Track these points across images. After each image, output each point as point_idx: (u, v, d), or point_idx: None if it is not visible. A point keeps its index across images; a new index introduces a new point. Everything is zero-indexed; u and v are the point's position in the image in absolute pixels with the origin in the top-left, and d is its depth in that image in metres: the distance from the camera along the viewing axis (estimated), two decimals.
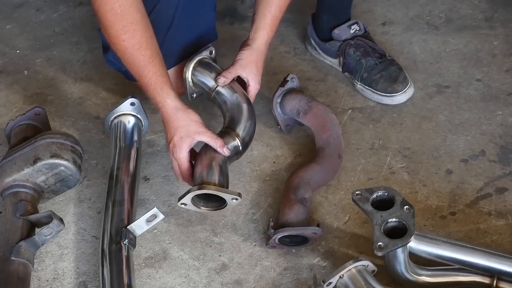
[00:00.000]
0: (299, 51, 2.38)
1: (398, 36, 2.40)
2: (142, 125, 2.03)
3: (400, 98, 2.17)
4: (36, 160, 1.84)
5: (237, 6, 2.54)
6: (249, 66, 1.99)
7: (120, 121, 1.99)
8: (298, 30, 2.44)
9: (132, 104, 1.99)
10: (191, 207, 1.80)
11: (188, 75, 2.03)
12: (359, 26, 2.25)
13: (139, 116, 2.01)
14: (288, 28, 2.45)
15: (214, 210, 1.82)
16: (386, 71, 2.18)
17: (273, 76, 2.28)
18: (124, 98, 2.00)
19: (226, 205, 1.79)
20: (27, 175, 1.84)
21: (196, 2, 2.10)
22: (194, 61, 2.03)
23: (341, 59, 2.25)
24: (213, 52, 2.06)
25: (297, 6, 2.53)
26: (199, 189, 1.74)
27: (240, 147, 1.88)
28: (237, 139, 1.88)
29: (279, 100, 2.06)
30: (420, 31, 2.42)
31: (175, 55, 2.09)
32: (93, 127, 2.16)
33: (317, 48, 2.32)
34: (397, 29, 2.43)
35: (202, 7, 2.13)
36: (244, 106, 1.95)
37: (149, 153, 2.08)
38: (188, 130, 1.83)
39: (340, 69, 2.27)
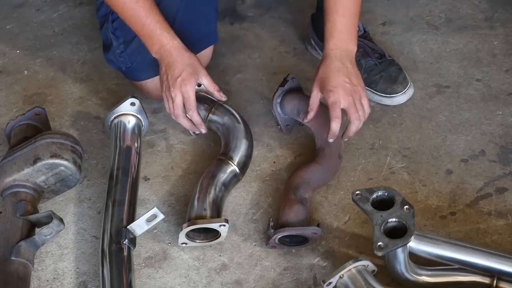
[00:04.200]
0: (299, 51, 2.38)
1: (398, 36, 2.40)
2: (142, 125, 2.03)
3: (399, 98, 2.17)
4: (36, 160, 1.84)
5: (237, 6, 2.54)
6: (321, 83, 1.94)
7: (120, 121, 1.99)
8: (298, 30, 2.44)
9: (132, 104, 1.99)
10: (191, 244, 1.83)
11: None
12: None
13: (139, 116, 2.01)
14: (288, 28, 2.45)
15: (212, 240, 1.84)
16: (386, 71, 2.18)
17: (273, 76, 2.28)
18: (124, 98, 2.00)
19: (220, 234, 1.82)
20: (27, 175, 1.84)
21: (198, 5, 2.10)
22: None
23: None
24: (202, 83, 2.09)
25: (297, 6, 2.53)
26: (188, 226, 1.78)
27: (237, 170, 1.91)
28: (231, 163, 1.91)
29: (279, 100, 2.06)
30: (420, 31, 2.42)
31: None
32: (93, 127, 2.16)
33: (317, 48, 2.32)
34: (397, 29, 2.43)
35: (203, 10, 2.14)
36: (236, 126, 1.98)
37: (149, 153, 2.08)
38: (196, 69, 1.94)
39: None
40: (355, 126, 1.92)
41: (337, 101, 1.88)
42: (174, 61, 1.93)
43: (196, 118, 1.96)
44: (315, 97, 1.94)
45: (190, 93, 1.92)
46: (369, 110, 1.94)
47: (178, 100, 1.94)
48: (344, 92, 1.89)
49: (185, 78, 1.92)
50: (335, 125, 1.89)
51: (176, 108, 1.95)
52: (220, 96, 1.98)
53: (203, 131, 2.00)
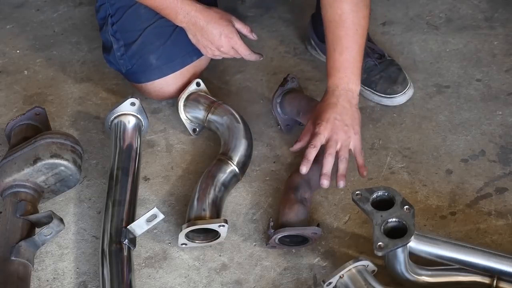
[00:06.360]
0: (299, 51, 2.38)
1: (398, 36, 2.40)
2: (142, 125, 2.03)
3: (399, 99, 2.17)
4: (36, 160, 1.84)
5: (237, 6, 2.54)
6: (314, 117, 1.90)
7: (120, 121, 1.99)
8: (298, 30, 2.44)
9: (132, 104, 1.99)
10: (191, 244, 1.83)
11: (182, 114, 2.07)
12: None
13: (139, 116, 2.01)
14: (288, 28, 2.45)
15: (212, 240, 1.84)
16: (386, 72, 2.18)
17: (273, 76, 2.28)
18: (124, 98, 2.00)
19: (219, 234, 1.82)
20: (27, 175, 1.84)
21: None
22: (183, 100, 2.07)
23: None
24: (201, 83, 2.10)
25: (297, 6, 2.53)
26: (187, 226, 1.78)
27: (237, 170, 1.91)
28: (230, 163, 1.91)
29: (279, 100, 2.06)
30: (420, 31, 2.42)
31: (177, 59, 2.10)
32: (93, 127, 2.16)
33: (317, 48, 2.32)
34: (397, 29, 2.43)
35: None
36: (236, 126, 1.98)
37: (149, 153, 2.08)
38: (228, 18, 2.05)
39: None
40: (327, 163, 1.82)
41: (319, 134, 1.84)
42: (208, 22, 2.01)
43: (251, 55, 2.09)
44: (307, 129, 1.91)
45: (239, 42, 2.05)
46: (362, 157, 1.87)
47: (232, 52, 2.07)
48: (330, 127, 1.84)
49: (227, 33, 2.02)
50: (308, 152, 1.83)
51: (231, 55, 2.08)
52: (252, 36, 2.10)
53: (259, 57, 2.12)
